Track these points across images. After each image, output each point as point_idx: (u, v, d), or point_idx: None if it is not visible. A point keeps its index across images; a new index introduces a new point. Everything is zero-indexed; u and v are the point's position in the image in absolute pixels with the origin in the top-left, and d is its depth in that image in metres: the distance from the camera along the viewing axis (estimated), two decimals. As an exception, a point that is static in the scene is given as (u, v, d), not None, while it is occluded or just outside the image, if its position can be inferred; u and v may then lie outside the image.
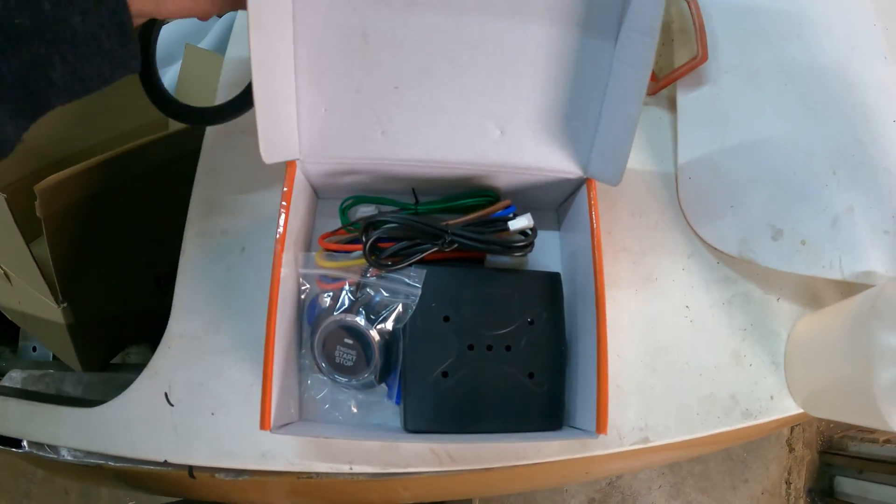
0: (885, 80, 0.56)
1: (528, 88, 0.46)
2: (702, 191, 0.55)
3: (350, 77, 0.45)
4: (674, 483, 1.34)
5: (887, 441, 1.24)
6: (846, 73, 0.55)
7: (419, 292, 0.45)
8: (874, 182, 0.51)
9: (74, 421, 0.50)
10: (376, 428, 0.48)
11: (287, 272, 0.44)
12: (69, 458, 0.50)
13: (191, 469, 0.49)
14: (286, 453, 0.48)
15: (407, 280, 0.45)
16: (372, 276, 0.46)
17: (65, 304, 0.69)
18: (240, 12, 0.66)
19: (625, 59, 0.43)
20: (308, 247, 0.52)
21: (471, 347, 0.45)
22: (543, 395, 0.46)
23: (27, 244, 0.61)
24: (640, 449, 0.51)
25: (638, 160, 0.58)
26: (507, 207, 0.48)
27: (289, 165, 0.45)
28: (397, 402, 0.47)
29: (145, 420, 0.49)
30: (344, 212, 0.53)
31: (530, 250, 0.48)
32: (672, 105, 0.59)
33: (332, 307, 0.46)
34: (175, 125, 0.74)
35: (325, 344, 0.46)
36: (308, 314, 0.48)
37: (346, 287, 0.46)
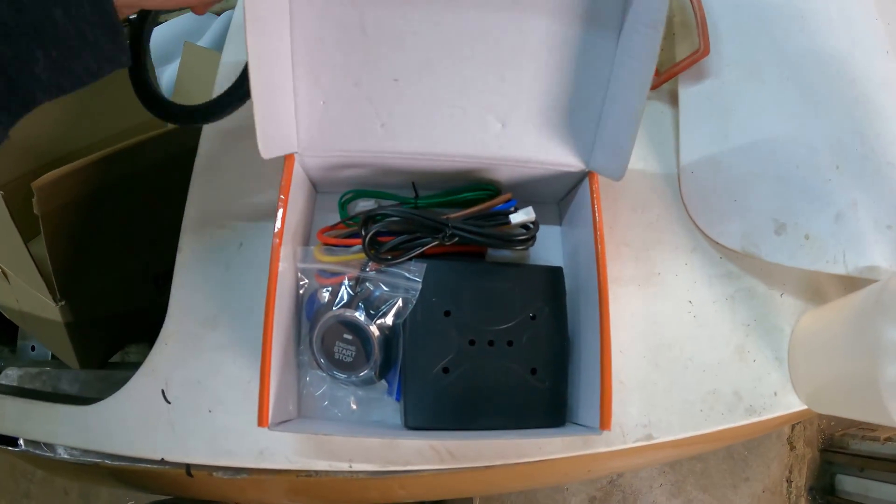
0: (887, 74, 0.55)
1: (529, 82, 0.45)
2: (704, 185, 0.55)
3: (348, 70, 0.44)
4: (675, 481, 1.34)
5: (888, 439, 1.24)
6: (848, 67, 0.55)
7: (419, 287, 0.44)
8: (877, 177, 0.51)
9: (71, 419, 0.50)
10: (376, 425, 0.47)
11: (285, 267, 0.43)
12: (66, 456, 0.50)
13: (188, 467, 0.48)
14: (285, 451, 0.47)
15: (407, 274, 0.45)
16: (371, 270, 0.45)
17: (63, 303, 0.69)
18: (237, 8, 0.66)
19: (629, 52, 0.42)
20: (307, 241, 0.51)
21: (472, 343, 0.45)
22: (546, 391, 0.45)
23: (25, 242, 0.61)
24: (644, 446, 0.50)
25: (639, 155, 0.57)
26: (508, 201, 0.47)
27: (287, 159, 0.45)
28: (397, 399, 0.47)
29: (142, 418, 0.49)
30: (343, 206, 0.52)
31: (532, 244, 0.47)
32: (674, 99, 0.59)
33: (331, 302, 0.46)
34: (173, 122, 0.73)
35: (323, 339, 0.45)
36: (307, 309, 0.47)
37: (346, 282, 0.46)
